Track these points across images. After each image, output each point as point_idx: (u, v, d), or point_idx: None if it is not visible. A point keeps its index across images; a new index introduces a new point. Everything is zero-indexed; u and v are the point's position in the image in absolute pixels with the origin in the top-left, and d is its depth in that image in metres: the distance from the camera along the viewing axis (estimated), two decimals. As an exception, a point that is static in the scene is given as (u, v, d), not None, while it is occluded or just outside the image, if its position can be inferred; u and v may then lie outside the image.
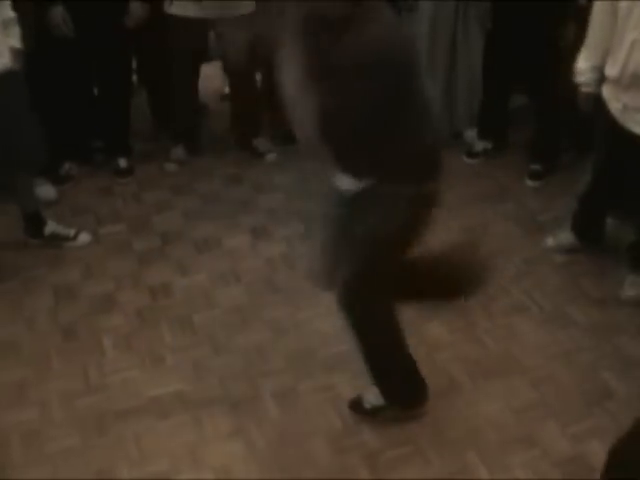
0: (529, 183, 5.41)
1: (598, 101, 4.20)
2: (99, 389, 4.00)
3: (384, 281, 3.39)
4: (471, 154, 5.73)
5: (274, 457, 3.64)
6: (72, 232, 5.01)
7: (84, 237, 5.04)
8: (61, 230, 5.02)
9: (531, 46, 5.09)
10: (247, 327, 4.36)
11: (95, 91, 5.63)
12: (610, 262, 4.70)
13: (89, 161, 5.77)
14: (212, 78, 6.38)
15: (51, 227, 4.99)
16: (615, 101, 4.08)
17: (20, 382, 4.04)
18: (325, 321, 4.33)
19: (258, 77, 5.96)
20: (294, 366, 4.10)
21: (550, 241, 4.82)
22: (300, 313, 4.43)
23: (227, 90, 6.19)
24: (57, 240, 4.99)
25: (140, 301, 4.56)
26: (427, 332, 4.27)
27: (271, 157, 5.81)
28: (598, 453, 3.55)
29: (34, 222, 4.97)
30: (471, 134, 5.82)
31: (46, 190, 5.35)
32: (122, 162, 5.70)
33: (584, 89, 4.26)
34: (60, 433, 3.77)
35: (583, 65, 4.22)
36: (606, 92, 4.14)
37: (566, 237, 4.79)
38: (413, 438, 3.70)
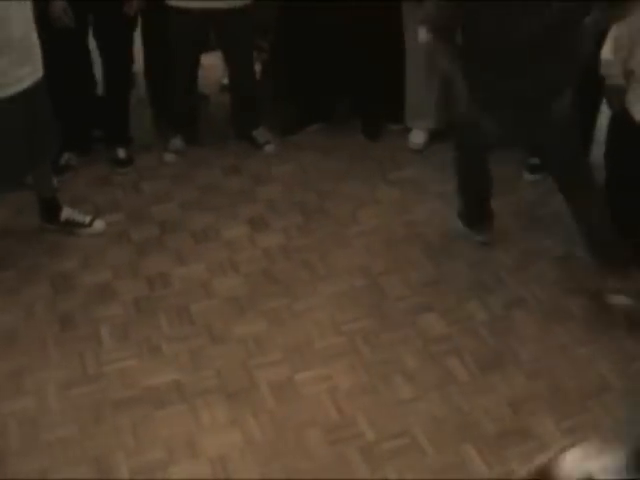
0: (528, 177, 5.41)
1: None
2: (96, 378, 4.01)
3: None
4: (470, 147, 5.72)
5: (270, 447, 3.65)
6: (88, 219, 5.02)
7: (99, 224, 5.04)
8: (77, 216, 5.02)
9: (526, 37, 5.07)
10: (244, 317, 4.36)
11: (95, 82, 5.62)
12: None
13: (88, 151, 5.76)
14: (212, 68, 6.37)
15: (67, 213, 5.00)
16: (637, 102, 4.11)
17: (17, 371, 4.04)
18: (322, 312, 4.34)
19: (258, 68, 5.96)
20: (291, 357, 4.11)
21: None
22: (297, 304, 4.43)
23: (226, 81, 6.18)
24: (72, 226, 5.00)
25: (138, 291, 4.56)
26: (424, 324, 4.27)
27: (270, 148, 5.80)
28: (594, 447, 3.58)
29: (51, 208, 4.99)
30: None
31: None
32: (121, 152, 5.69)
33: (609, 82, 4.23)
34: (57, 422, 3.78)
35: (609, 59, 4.15)
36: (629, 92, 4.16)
37: None
38: (409, 430, 3.71)
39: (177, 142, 5.81)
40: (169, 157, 5.75)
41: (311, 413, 3.78)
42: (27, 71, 4.31)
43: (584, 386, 3.91)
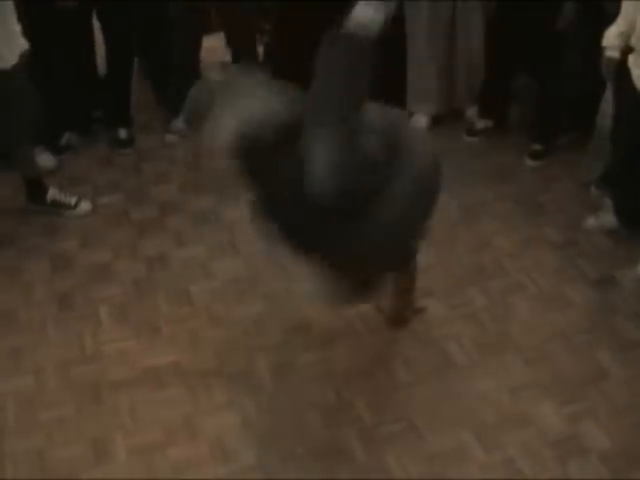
0: (529, 163, 5.40)
1: (621, 70, 4.23)
2: (94, 358, 4.01)
3: None
4: (471, 132, 5.71)
5: (268, 429, 3.65)
6: (73, 200, 5.02)
7: (85, 206, 5.04)
8: (62, 198, 5.02)
9: (531, 26, 5.06)
10: (244, 299, 4.36)
11: (96, 62, 5.60)
12: (608, 244, 4.70)
13: (89, 131, 5.75)
14: (214, 50, 6.34)
15: (52, 194, 5.00)
16: (636, 68, 4.12)
17: (16, 350, 4.04)
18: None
19: (260, 50, 5.95)
20: (290, 339, 4.10)
21: (592, 221, 4.80)
22: (297, 286, 4.42)
23: (228, 59, 6.16)
24: (58, 207, 5.00)
25: (137, 271, 4.56)
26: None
27: (272, 130, 5.78)
28: (592, 433, 3.58)
29: (35, 189, 4.99)
30: (472, 112, 5.80)
31: (45, 159, 5.33)
32: (122, 133, 5.68)
33: (608, 53, 4.26)
34: (55, 401, 3.78)
35: (612, 30, 4.23)
36: (631, 60, 4.17)
37: (609, 220, 4.76)
38: (407, 414, 3.71)
39: (178, 123, 5.78)
40: (170, 138, 5.74)
41: (310, 396, 3.78)
42: (3, 53, 4.31)
43: (583, 373, 3.90)
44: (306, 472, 3.46)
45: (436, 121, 5.71)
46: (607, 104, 5.08)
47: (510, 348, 4.04)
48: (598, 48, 4.29)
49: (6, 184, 5.10)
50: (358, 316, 4.21)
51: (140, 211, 5.03)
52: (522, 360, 3.98)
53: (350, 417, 3.70)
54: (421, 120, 5.72)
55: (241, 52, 5.74)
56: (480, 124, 5.71)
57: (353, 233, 3.10)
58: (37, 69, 4.63)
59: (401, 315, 4.10)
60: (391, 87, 5.76)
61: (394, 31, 5.42)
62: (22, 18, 4.43)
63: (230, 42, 5.80)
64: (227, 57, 6.19)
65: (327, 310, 4.21)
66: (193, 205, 5.09)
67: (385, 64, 5.60)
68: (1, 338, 4.11)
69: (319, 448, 3.55)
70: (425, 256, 4.56)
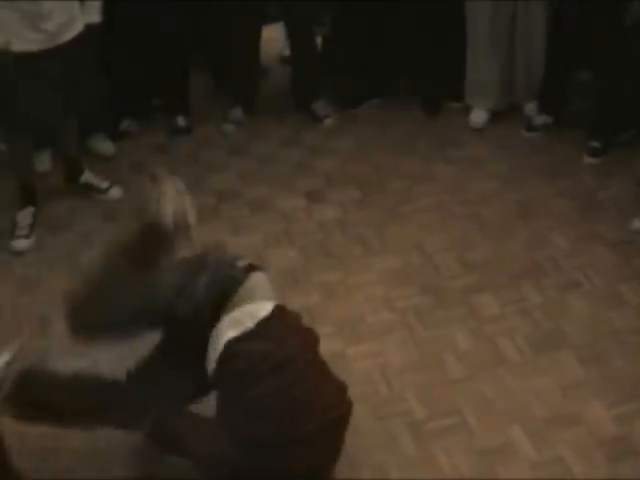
0: (588, 160, 5.35)
1: None
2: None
3: None
4: (531, 128, 5.66)
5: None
6: (105, 185, 5.13)
7: (115, 192, 5.15)
8: (95, 181, 5.14)
9: (598, 22, 5.02)
10: (298, 290, 4.37)
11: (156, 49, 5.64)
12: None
13: (148, 118, 5.80)
14: (273, 41, 6.36)
15: (86, 177, 5.13)
16: None
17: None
18: (376, 287, 4.35)
19: (319, 41, 5.95)
20: (343, 331, 4.12)
21: (638, 223, 4.75)
22: (351, 278, 4.44)
23: (287, 52, 6.18)
24: (89, 190, 5.13)
25: (193, 259, 4.59)
26: (477, 303, 4.26)
27: (329, 121, 5.80)
28: (643, 435, 3.56)
29: (73, 168, 5.12)
30: (531, 107, 5.76)
31: (105, 145, 5.40)
32: (180, 120, 5.72)
33: None
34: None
35: None
36: None
37: None
38: (458, 409, 3.70)
39: (236, 113, 5.83)
40: (228, 127, 5.78)
41: (361, 388, 3.77)
42: (67, 25, 4.42)
43: (635, 373, 3.86)
44: (354, 465, 3.48)
45: (495, 116, 5.69)
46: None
47: (564, 346, 4.02)
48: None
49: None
50: (411, 309, 4.22)
51: (196, 199, 4.99)
52: (575, 358, 3.95)
53: (401, 410, 3.70)
54: (480, 115, 5.70)
55: (298, 43, 5.73)
56: (539, 120, 5.67)
57: None
58: (102, 55, 4.72)
59: None
60: (450, 80, 5.79)
61: (455, 26, 5.48)
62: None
63: (289, 32, 5.80)
64: (286, 50, 6.19)
65: (381, 303, 4.22)
66: (249, 194, 5.12)
67: (443, 57, 5.66)
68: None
69: (368, 440, 3.55)
70: (482, 250, 4.59)
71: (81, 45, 4.47)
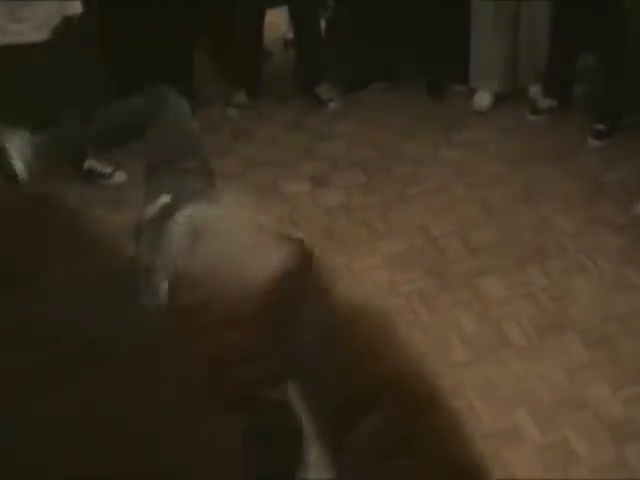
0: (593, 143, 5.33)
1: None
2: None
3: None
4: (535, 111, 5.65)
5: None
6: (109, 170, 5.15)
7: (119, 176, 5.17)
8: (99, 167, 5.16)
9: (598, 4, 5.01)
10: (302, 274, 4.36)
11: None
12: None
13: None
14: (276, 25, 6.35)
15: (90, 162, 5.15)
16: None
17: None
18: (381, 271, 4.35)
19: (322, 25, 5.93)
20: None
21: None
22: (355, 263, 4.43)
23: (291, 36, 6.16)
24: (93, 176, 5.15)
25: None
26: (482, 287, 4.26)
27: (333, 105, 5.78)
28: (650, 418, 3.56)
29: (77, 153, 5.10)
30: (535, 90, 5.74)
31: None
32: (184, 105, 5.72)
33: None
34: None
35: None
36: None
37: None
38: (464, 393, 3.70)
39: (240, 96, 5.81)
40: (232, 111, 5.77)
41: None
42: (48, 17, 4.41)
43: (641, 357, 3.88)
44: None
45: (499, 99, 5.67)
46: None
47: (569, 329, 4.02)
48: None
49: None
50: (416, 293, 4.21)
51: (201, 183, 5.06)
52: (581, 342, 3.95)
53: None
54: (484, 97, 5.68)
55: (302, 26, 5.72)
56: (544, 103, 5.65)
57: None
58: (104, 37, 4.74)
59: None
60: (454, 63, 5.77)
61: (459, 9, 5.46)
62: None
63: (292, 15, 5.79)
64: (290, 34, 6.18)
65: (386, 287, 4.22)
66: (254, 178, 5.11)
67: (447, 40, 5.64)
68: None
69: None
70: (487, 233, 4.58)
71: (72, 35, 4.47)
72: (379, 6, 5.57)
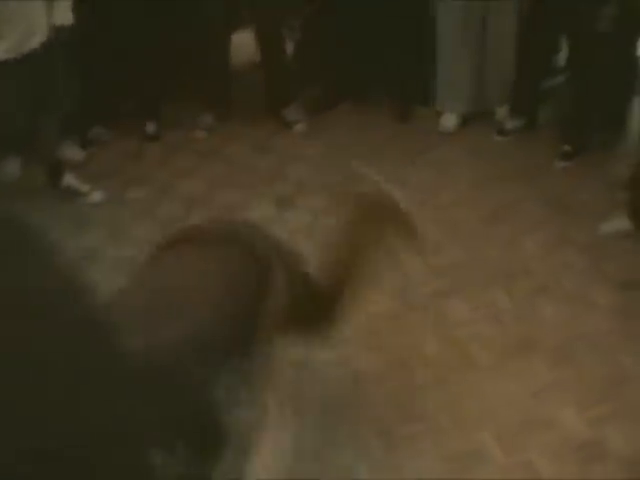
0: (559, 163, 5.35)
1: None
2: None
3: None
4: (502, 132, 5.66)
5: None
6: (87, 188, 5.13)
7: (97, 195, 5.14)
8: (77, 184, 5.13)
9: (569, 27, 5.03)
10: (267, 298, 4.34)
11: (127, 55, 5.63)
12: (634, 247, 4.64)
13: (118, 125, 5.77)
14: (243, 46, 6.35)
15: (68, 180, 5.12)
16: None
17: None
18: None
19: (290, 46, 5.94)
20: (310, 338, 4.09)
21: (605, 227, 4.73)
22: (321, 284, 4.42)
23: (258, 58, 6.16)
24: (71, 194, 5.11)
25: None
26: (447, 309, 4.25)
27: (300, 127, 5.79)
28: (614, 438, 3.54)
29: (54, 171, 5.10)
30: (502, 112, 5.76)
31: (73, 151, 5.38)
32: (150, 127, 5.70)
33: None
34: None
35: None
36: None
37: (622, 223, 4.70)
38: (428, 414, 3.69)
39: (207, 118, 5.81)
40: (199, 133, 5.76)
41: (331, 394, 3.76)
42: (34, 36, 4.39)
43: (606, 376, 3.86)
44: (323, 467, 3.45)
45: (466, 120, 5.68)
46: (638, 106, 5.05)
47: (534, 350, 4.01)
48: (632, 50, 4.25)
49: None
50: (380, 315, 4.20)
51: (166, 206, 5.05)
52: (545, 362, 3.94)
53: (370, 416, 3.68)
54: (451, 119, 5.69)
55: (268, 48, 5.72)
56: (511, 124, 5.67)
57: None
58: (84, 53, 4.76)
59: None
60: (420, 86, 5.79)
61: (425, 30, 5.48)
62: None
63: (258, 36, 5.79)
64: (258, 56, 6.18)
65: (348, 309, 4.20)
66: (219, 201, 5.09)
67: (413, 62, 5.67)
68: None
69: (337, 445, 3.53)
70: (452, 254, 4.57)
71: (51, 50, 4.44)
72: (345, 28, 5.59)
